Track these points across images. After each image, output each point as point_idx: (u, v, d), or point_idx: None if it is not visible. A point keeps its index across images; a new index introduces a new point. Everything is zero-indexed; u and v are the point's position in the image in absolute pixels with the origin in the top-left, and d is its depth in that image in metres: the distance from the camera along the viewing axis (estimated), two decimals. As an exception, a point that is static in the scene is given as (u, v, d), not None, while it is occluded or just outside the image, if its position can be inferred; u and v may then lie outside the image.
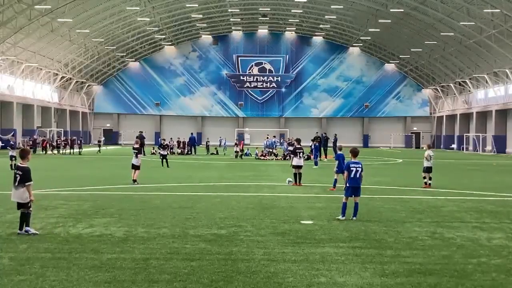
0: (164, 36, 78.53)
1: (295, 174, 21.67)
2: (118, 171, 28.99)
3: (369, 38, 77.00)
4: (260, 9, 72.15)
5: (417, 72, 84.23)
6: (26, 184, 11.17)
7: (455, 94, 77.56)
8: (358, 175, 13.15)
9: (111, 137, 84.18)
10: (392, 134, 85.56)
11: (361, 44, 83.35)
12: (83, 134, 75.78)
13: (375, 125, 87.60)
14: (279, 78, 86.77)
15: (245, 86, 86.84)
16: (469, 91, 73.43)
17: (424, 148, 22.40)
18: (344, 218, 13.14)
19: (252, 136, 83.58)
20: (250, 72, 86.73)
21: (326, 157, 42.23)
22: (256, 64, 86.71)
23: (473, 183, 24.03)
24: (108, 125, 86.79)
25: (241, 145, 46.58)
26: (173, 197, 17.67)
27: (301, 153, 21.98)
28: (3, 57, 57.40)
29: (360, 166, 13.26)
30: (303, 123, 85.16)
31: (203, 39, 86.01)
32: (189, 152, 52.24)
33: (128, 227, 11.90)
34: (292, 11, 72.34)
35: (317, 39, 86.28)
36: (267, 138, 50.48)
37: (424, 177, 21.43)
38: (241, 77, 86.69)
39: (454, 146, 77.22)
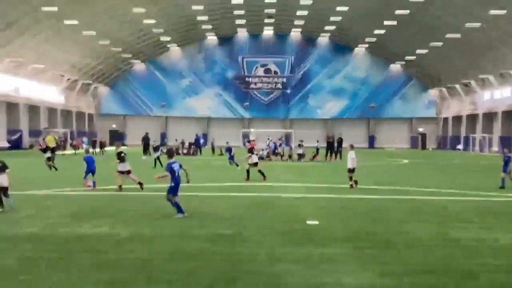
0: (170, 38, 78.66)
1: (248, 171, 23.98)
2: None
3: (375, 39, 76.85)
4: (266, 10, 72.14)
5: (423, 73, 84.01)
6: None
7: (461, 95, 77.33)
8: (178, 174, 13.45)
9: (117, 138, 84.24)
10: (398, 135, 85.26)
11: (367, 45, 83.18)
12: (89, 135, 75.78)
13: (381, 126, 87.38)
14: (284, 79, 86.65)
15: (250, 87, 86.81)
16: (475, 92, 73.21)
17: (348, 149, 21.71)
18: (182, 215, 13.29)
19: (257, 138, 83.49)
20: (255, 73, 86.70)
21: (337, 158, 42.41)
22: (262, 65, 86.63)
23: (478, 183, 23.91)
24: (114, 126, 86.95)
25: (251, 146, 46.31)
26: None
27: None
28: (10, 59, 57.63)
29: (179, 165, 13.60)
30: (308, 124, 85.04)
31: (209, 41, 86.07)
32: (195, 153, 52.31)
33: (129, 227, 11.93)
34: (298, 12, 72.32)
35: (323, 40, 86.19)
36: (269, 139, 50.14)
37: (351, 178, 20.83)
38: (247, 78, 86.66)
39: (460, 147, 76.95)
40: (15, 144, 58.34)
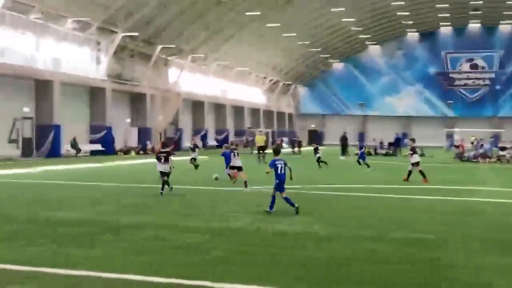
0: (368, 36, 77.96)
1: (410, 171, 22.42)
2: (314, 171, 29.51)
3: None
4: (471, 2, 67.85)
5: None
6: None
7: None
8: (283, 171, 13.47)
9: (317, 137, 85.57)
10: None
11: None
12: (289, 135, 78.14)
13: None
14: (493, 75, 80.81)
15: (454, 84, 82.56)
16: None
17: None
18: (271, 211, 13.33)
19: (462, 138, 78.73)
20: (460, 69, 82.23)
21: None
22: (467, 61, 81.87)
23: None
24: (313, 125, 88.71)
25: (462, 148, 43.92)
26: (380, 199, 17.27)
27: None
28: (217, 63, 61.92)
29: (283, 162, 13.63)
30: (520, 123, 78.04)
31: (409, 37, 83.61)
32: (394, 153, 51.04)
33: (328, 226, 11.87)
34: (508, 2, 66.72)
35: (537, 31, 78.60)
36: (474, 139, 46.92)
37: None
38: (450, 75, 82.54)
39: None
40: (222, 143, 62.35)
